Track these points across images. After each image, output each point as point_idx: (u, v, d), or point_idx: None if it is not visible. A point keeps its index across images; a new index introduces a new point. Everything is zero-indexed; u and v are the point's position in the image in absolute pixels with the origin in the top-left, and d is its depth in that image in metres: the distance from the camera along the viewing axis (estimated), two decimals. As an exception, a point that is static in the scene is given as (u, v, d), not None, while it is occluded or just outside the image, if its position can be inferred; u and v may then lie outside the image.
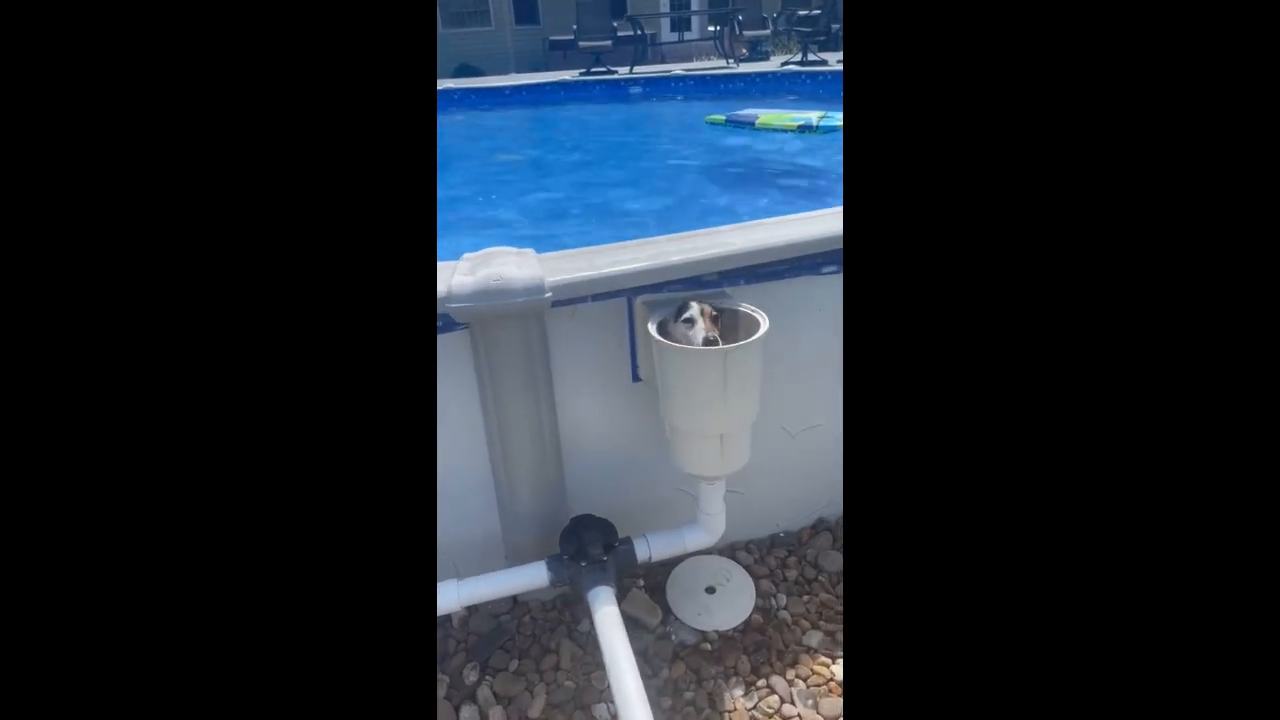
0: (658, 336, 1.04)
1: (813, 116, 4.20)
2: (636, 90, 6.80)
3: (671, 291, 1.14)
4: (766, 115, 4.47)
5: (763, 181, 3.38)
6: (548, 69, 9.29)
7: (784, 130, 4.23)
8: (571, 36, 8.02)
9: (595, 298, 1.12)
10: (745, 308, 1.10)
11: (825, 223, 1.25)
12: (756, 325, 1.05)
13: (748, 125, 4.49)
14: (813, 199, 2.89)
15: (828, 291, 1.28)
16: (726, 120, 4.70)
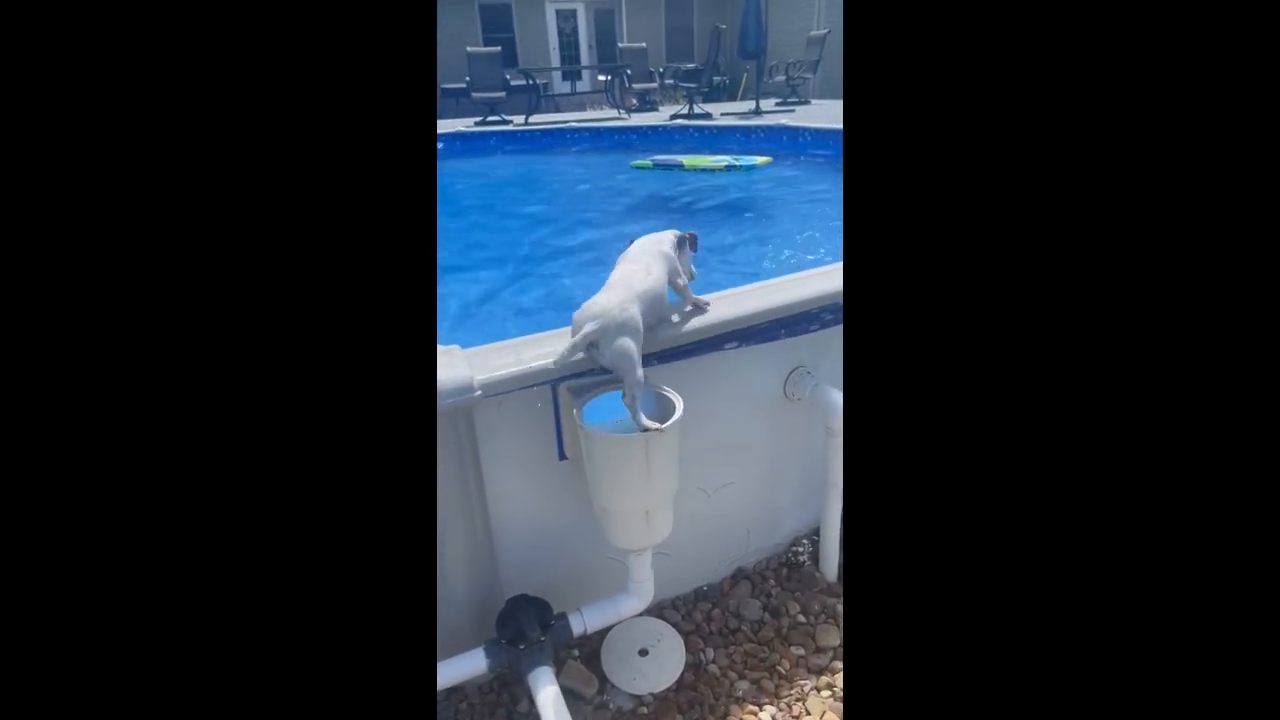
0: (584, 425, 1.11)
1: (730, 159, 4.83)
2: (535, 140, 6.95)
3: (594, 379, 1.22)
4: (691, 159, 5.00)
5: (732, 210, 3.84)
6: (442, 117, 9.24)
7: (712, 169, 4.77)
8: (464, 85, 8.09)
9: (521, 388, 1.18)
10: (664, 390, 1.20)
11: (723, 308, 1.39)
12: (673, 408, 1.15)
13: (676, 168, 4.96)
14: (770, 219, 3.51)
15: (731, 364, 1.41)
16: (654, 165, 5.09)
